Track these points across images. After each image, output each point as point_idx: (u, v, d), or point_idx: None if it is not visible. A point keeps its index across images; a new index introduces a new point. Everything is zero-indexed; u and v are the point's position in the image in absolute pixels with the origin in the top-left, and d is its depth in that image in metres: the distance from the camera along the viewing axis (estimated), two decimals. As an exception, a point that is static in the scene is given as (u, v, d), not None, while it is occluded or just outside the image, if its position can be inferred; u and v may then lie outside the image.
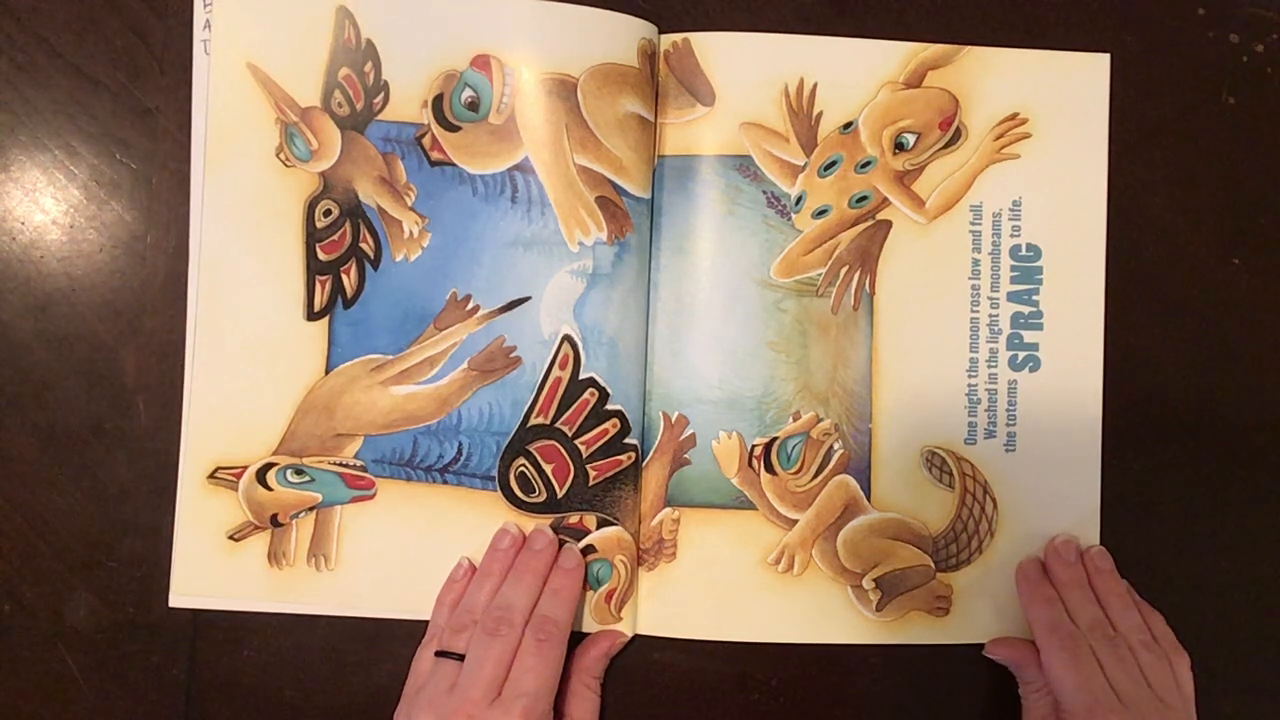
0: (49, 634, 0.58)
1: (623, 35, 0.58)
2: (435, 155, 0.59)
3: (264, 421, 0.58)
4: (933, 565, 0.60)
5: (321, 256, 0.59)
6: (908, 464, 0.61)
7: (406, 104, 0.58)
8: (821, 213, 0.61)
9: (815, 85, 0.60)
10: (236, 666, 0.59)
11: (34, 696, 0.58)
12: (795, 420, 0.60)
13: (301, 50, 0.58)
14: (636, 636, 0.59)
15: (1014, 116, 0.61)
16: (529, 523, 0.58)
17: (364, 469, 0.59)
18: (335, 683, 0.59)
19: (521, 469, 0.58)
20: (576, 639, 0.58)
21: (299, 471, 0.58)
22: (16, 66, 0.59)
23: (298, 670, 0.59)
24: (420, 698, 0.52)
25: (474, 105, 0.58)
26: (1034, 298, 0.61)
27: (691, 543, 0.60)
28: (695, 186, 0.60)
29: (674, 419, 0.60)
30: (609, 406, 0.58)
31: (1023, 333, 0.61)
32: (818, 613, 0.60)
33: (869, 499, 0.60)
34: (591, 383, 0.58)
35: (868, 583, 0.60)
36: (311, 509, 0.58)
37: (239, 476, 0.58)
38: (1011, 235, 0.61)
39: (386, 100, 0.58)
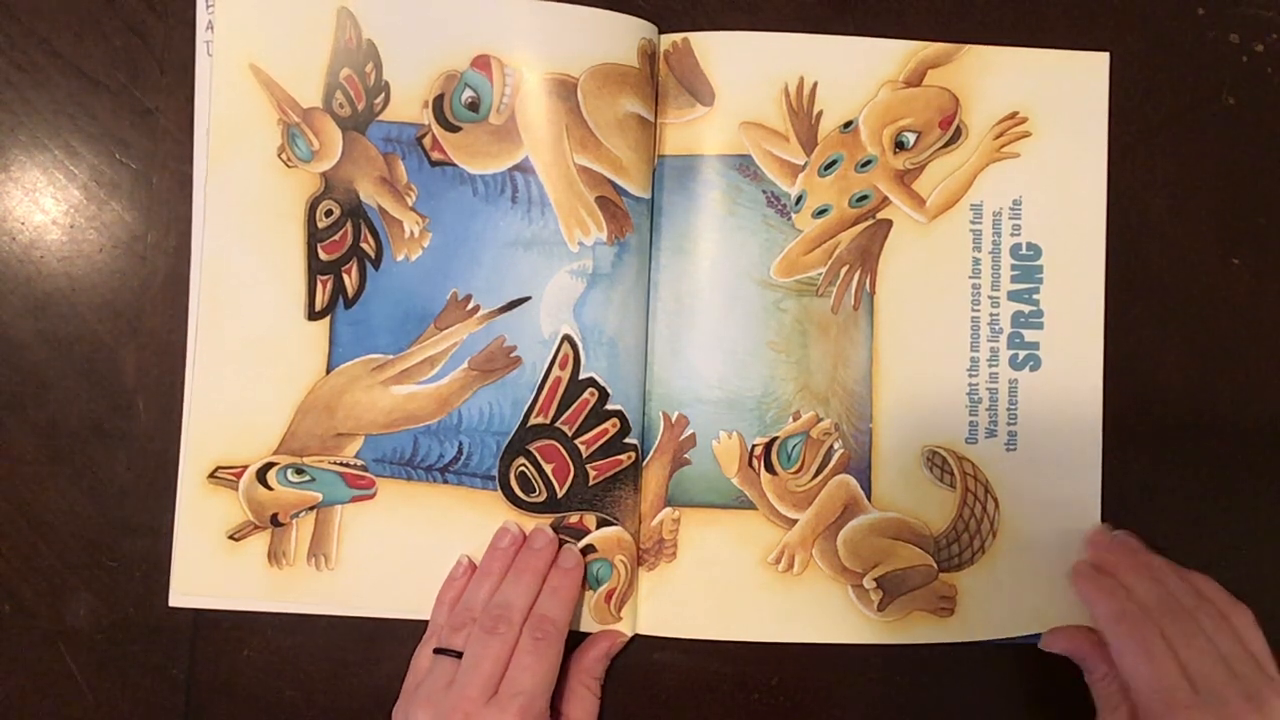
0: (49, 634, 0.58)
1: (623, 35, 0.58)
2: (436, 155, 0.59)
3: (264, 421, 0.58)
4: (935, 565, 0.60)
5: (323, 256, 0.59)
6: (908, 464, 0.60)
7: (407, 104, 0.59)
8: (822, 212, 0.61)
9: (815, 84, 0.60)
10: (236, 666, 0.59)
11: (34, 696, 0.58)
12: (795, 420, 0.60)
13: (303, 51, 0.58)
14: (636, 636, 0.59)
15: (1014, 115, 0.61)
16: (529, 522, 0.58)
17: (364, 468, 0.59)
18: (335, 683, 0.59)
19: (522, 468, 0.58)
20: (576, 639, 0.58)
21: (299, 471, 0.58)
22: (16, 66, 0.59)
23: (298, 670, 0.59)
24: (418, 694, 0.52)
25: (474, 105, 0.58)
26: (1034, 297, 0.61)
27: (691, 543, 0.60)
28: (695, 186, 0.60)
29: (674, 419, 0.60)
30: (609, 406, 0.58)
31: (1023, 332, 0.61)
32: (818, 612, 0.60)
33: (869, 499, 0.60)
34: (591, 383, 0.58)
35: (869, 582, 0.60)
36: (312, 508, 0.58)
37: (239, 476, 0.58)
38: (1012, 234, 0.61)
39: (387, 101, 0.59)
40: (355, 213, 0.59)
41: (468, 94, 0.58)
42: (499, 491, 0.58)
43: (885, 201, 0.61)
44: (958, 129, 0.61)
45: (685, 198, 0.60)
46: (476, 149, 0.58)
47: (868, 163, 0.61)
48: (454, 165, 0.59)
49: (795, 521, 0.60)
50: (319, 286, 0.59)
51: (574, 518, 0.58)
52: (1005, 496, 0.60)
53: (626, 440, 0.58)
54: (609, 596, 0.58)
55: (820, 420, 0.60)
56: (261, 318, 0.58)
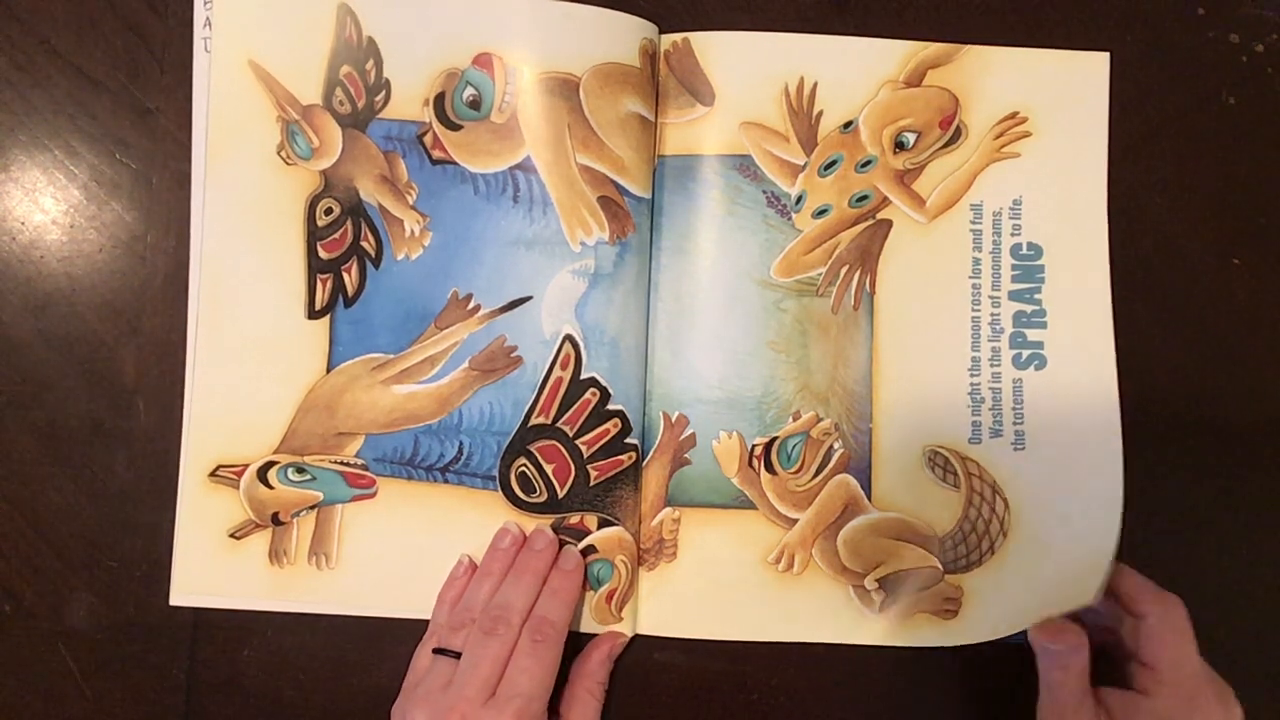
0: (49, 634, 0.58)
1: (624, 35, 0.58)
2: (437, 154, 0.59)
3: (265, 420, 0.58)
4: (940, 567, 0.60)
5: (323, 255, 0.59)
6: (909, 464, 0.60)
7: (408, 102, 0.59)
8: (822, 212, 0.61)
9: (815, 84, 0.60)
10: (236, 666, 0.59)
11: (34, 696, 0.58)
12: (795, 420, 0.60)
13: (303, 48, 0.58)
14: (636, 636, 0.59)
15: (1014, 116, 0.61)
16: (530, 523, 0.58)
17: (365, 468, 0.59)
18: (335, 683, 0.59)
19: (522, 469, 0.58)
20: (575, 638, 0.58)
21: (300, 470, 0.58)
22: (16, 66, 0.59)
23: (298, 670, 0.59)
24: (416, 694, 0.52)
25: (476, 104, 0.58)
26: (1036, 296, 0.61)
27: (692, 543, 0.60)
28: (695, 186, 0.60)
29: (674, 419, 0.60)
30: (610, 406, 0.58)
31: (1026, 331, 0.61)
32: (818, 612, 0.60)
33: (870, 498, 0.60)
34: (593, 383, 0.58)
35: (870, 583, 0.60)
36: (312, 507, 0.58)
37: (240, 475, 0.58)
38: (1012, 234, 0.61)
39: (388, 98, 0.58)
40: (355, 211, 0.59)
41: (469, 92, 0.58)
42: (499, 492, 0.58)
43: (885, 202, 0.61)
44: (958, 129, 0.61)
45: (685, 198, 0.60)
46: (478, 147, 0.58)
47: (868, 163, 0.61)
48: (455, 164, 0.59)
49: (795, 521, 0.60)
50: (319, 285, 0.59)
51: (575, 518, 0.58)
52: (1016, 496, 0.60)
53: (627, 440, 0.58)
54: (610, 597, 0.58)
55: (820, 420, 0.60)
56: (261, 316, 0.58)
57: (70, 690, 0.58)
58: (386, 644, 0.58)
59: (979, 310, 0.61)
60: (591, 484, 0.58)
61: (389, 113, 0.59)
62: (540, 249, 0.58)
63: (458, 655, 0.53)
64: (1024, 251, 0.61)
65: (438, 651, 0.53)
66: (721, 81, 0.60)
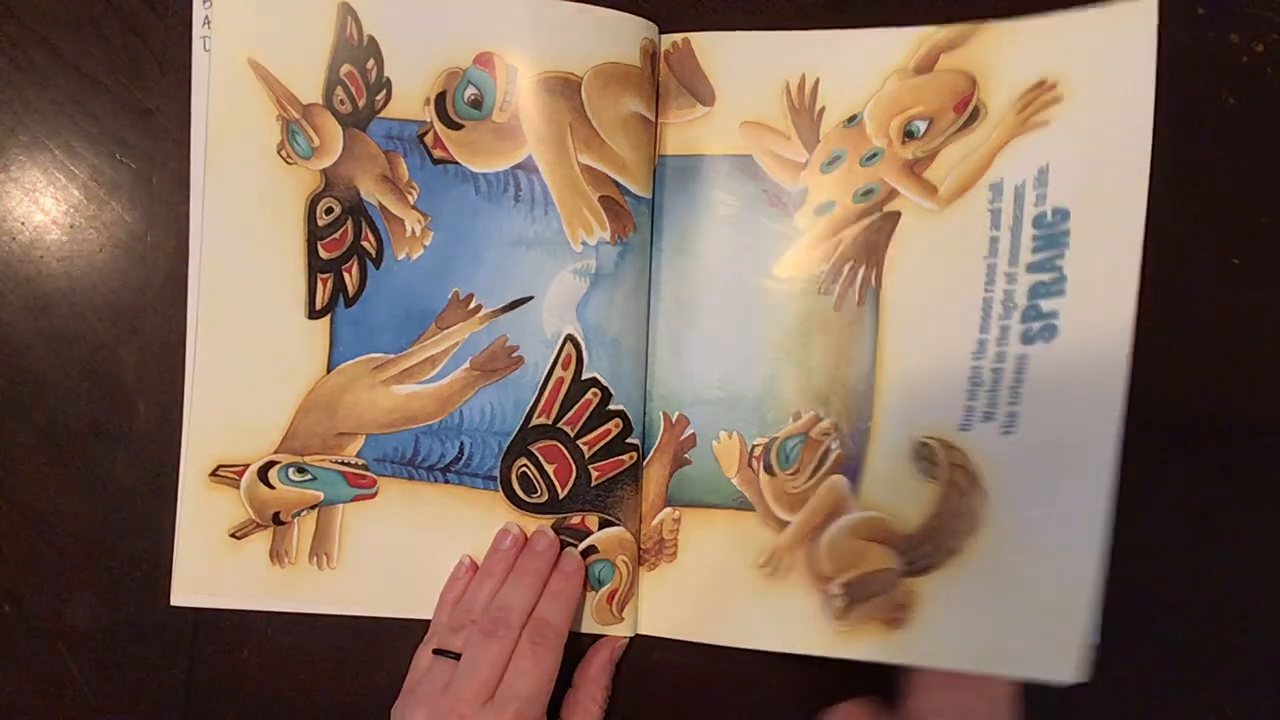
0: (49, 634, 0.58)
1: (626, 34, 0.58)
2: (438, 153, 0.59)
3: (266, 420, 0.58)
4: (897, 568, 0.57)
5: (323, 254, 0.59)
6: (898, 458, 0.58)
7: (409, 101, 0.58)
8: (825, 208, 0.60)
9: (817, 80, 0.60)
10: (236, 666, 0.59)
11: (34, 696, 0.58)
12: (795, 420, 0.60)
13: (303, 46, 0.58)
14: (636, 636, 0.59)
15: (1041, 83, 0.57)
16: (531, 524, 0.58)
17: (365, 468, 0.58)
18: (336, 682, 0.59)
19: (523, 469, 0.58)
20: (575, 641, 0.58)
21: (301, 470, 0.58)
22: (16, 66, 0.59)
23: (298, 670, 0.59)
24: (415, 695, 0.52)
25: (477, 103, 0.58)
26: (1057, 263, 0.57)
27: (691, 543, 0.60)
28: (696, 186, 0.60)
29: (674, 419, 0.60)
30: (611, 407, 0.58)
31: (1041, 302, 0.57)
32: (787, 620, 0.58)
33: (858, 498, 0.59)
34: (594, 383, 0.58)
35: (836, 588, 0.58)
36: (313, 507, 0.58)
37: (241, 474, 0.58)
38: (1035, 204, 0.58)
39: (389, 97, 0.58)
40: (356, 211, 0.59)
41: (470, 91, 0.58)
42: (500, 491, 0.58)
43: (893, 194, 0.59)
44: (975, 109, 0.58)
45: (686, 198, 0.60)
46: (479, 147, 0.58)
47: (873, 155, 0.60)
48: (456, 163, 0.58)
49: (787, 524, 0.60)
50: (319, 285, 0.59)
51: (576, 519, 0.58)
52: (996, 487, 0.56)
53: (628, 440, 0.58)
54: (611, 597, 0.58)
55: (820, 420, 0.60)
56: (262, 316, 0.58)
57: (70, 690, 0.58)
58: (386, 644, 0.58)
59: (992, 290, 0.58)
60: (593, 484, 0.58)
61: (390, 112, 0.59)
62: (541, 248, 0.58)
63: (458, 656, 0.53)
64: (1048, 220, 0.57)
65: (438, 652, 0.53)
66: (722, 81, 0.60)
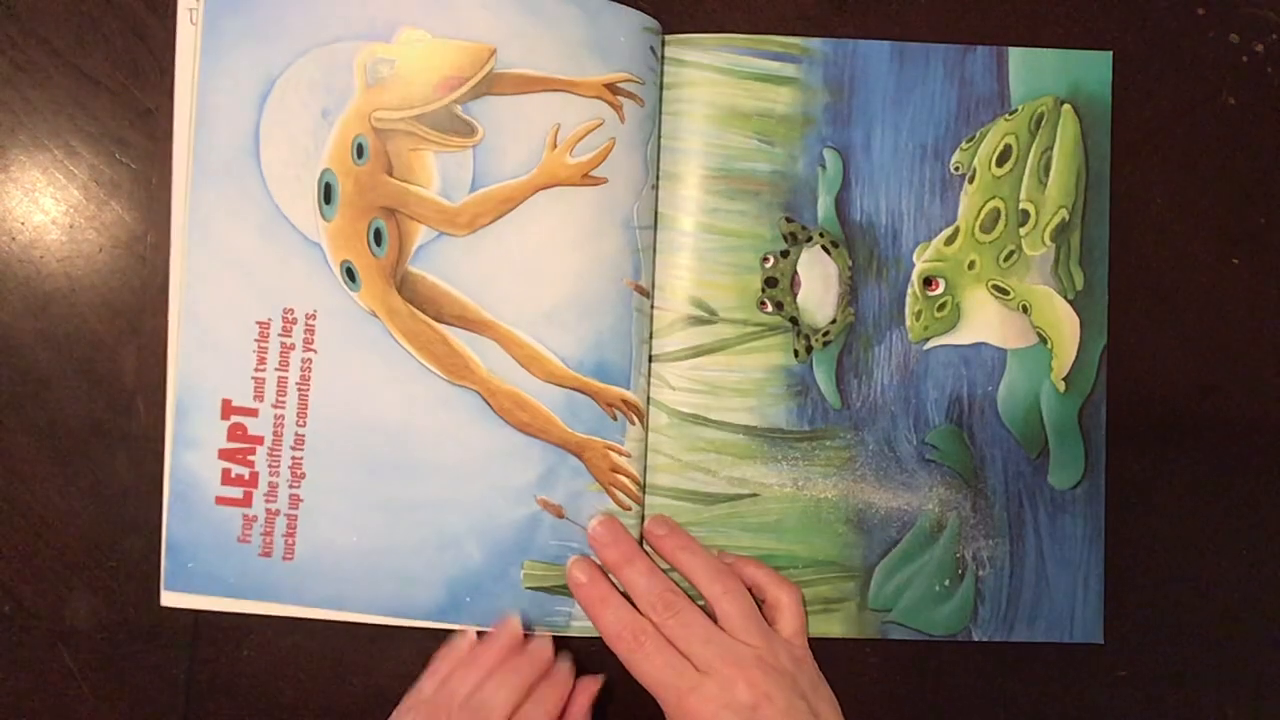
0: (49, 634, 0.58)
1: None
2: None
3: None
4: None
5: None
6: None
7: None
8: None
9: None
10: (236, 667, 0.58)
11: (34, 696, 0.58)
12: None
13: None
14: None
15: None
16: None
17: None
18: (335, 684, 0.59)
19: None
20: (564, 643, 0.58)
21: (301, 470, 0.58)
22: (16, 66, 0.58)
23: (298, 671, 0.59)
24: None
25: None
26: None
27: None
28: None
29: None
30: None
31: None
32: None
33: None
34: None
35: None
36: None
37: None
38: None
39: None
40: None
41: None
42: None
43: None
44: None
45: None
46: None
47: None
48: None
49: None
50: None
51: None
52: None
53: None
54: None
55: None
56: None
57: (70, 690, 0.58)
58: (386, 646, 0.58)
59: None
60: None
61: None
62: None
63: None
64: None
65: None
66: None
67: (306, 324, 0.57)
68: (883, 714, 0.60)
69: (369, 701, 0.59)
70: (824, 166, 0.60)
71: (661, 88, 0.60)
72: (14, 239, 0.59)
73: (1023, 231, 0.61)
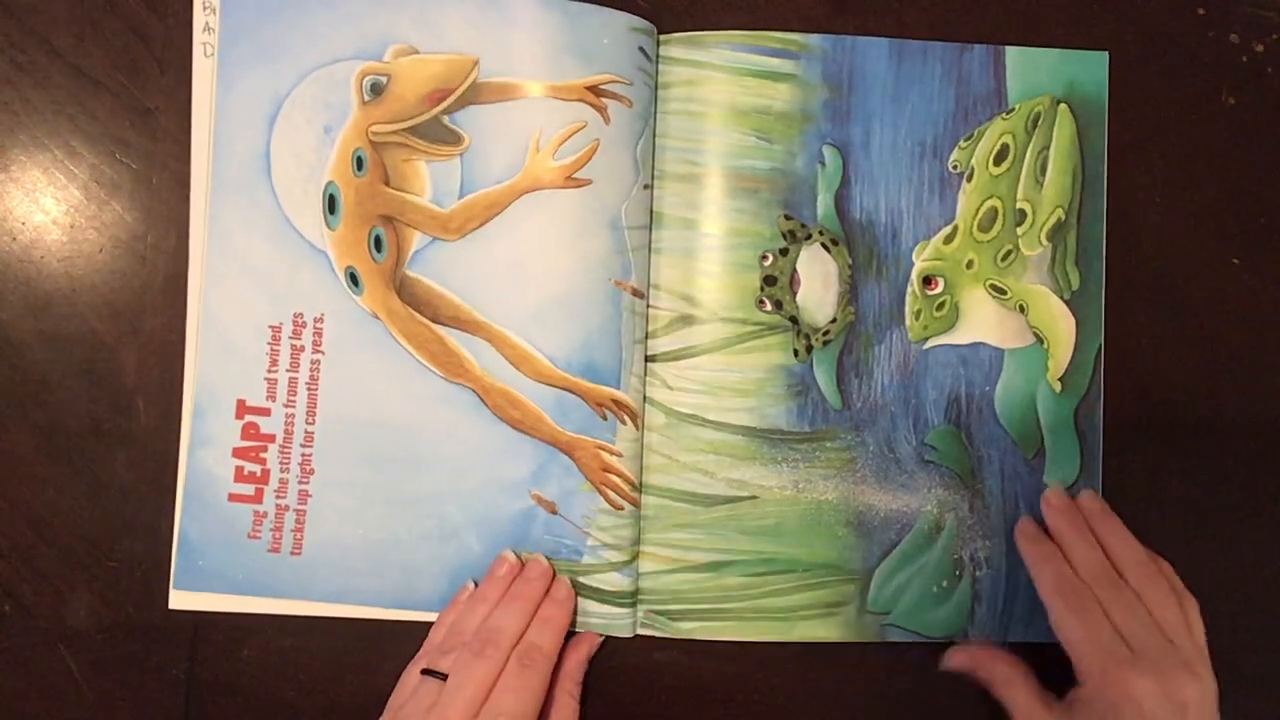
0: (49, 634, 0.58)
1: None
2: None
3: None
4: None
5: None
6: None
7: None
8: None
9: None
10: (236, 666, 0.59)
11: (34, 696, 0.58)
12: None
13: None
14: (636, 636, 0.59)
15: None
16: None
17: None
18: (335, 683, 0.59)
19: None
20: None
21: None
22: (16, 66, 0.59)
23: (298, 671, 0.59)
24: (400, 714, 0.52)
25: None
26: None
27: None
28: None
29: None
30: None
31: None
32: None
33: None
34: None
35: None
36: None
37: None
38: None
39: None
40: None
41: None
42: None
43: None
44: None
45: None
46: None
47: None
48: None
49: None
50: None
51: None
52: None
53: None
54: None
55: None
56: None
57: (70, 690, 0.58)
58: (386, 644, 0.58)
59: None
60: None
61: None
62: None
63: (445, 677, 0.52)
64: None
65: (425, 673, 0.53)
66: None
67: (315, 327, 0.58)
68: (883, 716, 0.60)
69: (369, 701, 0.58)
70: (823, 163, 0.60)
71: (656, 87, 0.60)
72: (15, 239, 0.59)
73: (1020, 231, 0.61)
